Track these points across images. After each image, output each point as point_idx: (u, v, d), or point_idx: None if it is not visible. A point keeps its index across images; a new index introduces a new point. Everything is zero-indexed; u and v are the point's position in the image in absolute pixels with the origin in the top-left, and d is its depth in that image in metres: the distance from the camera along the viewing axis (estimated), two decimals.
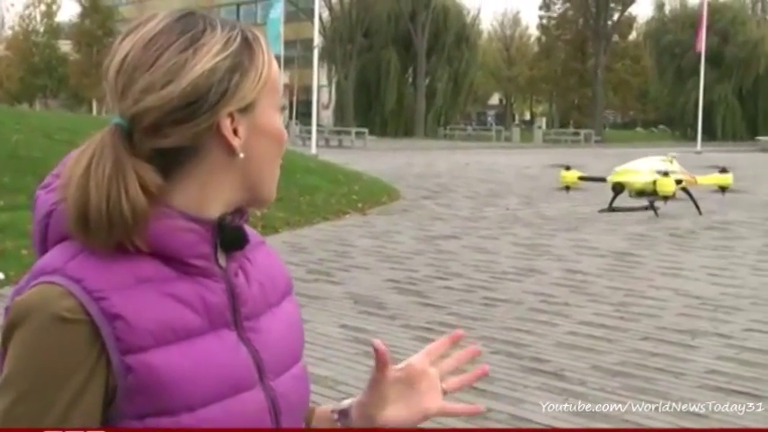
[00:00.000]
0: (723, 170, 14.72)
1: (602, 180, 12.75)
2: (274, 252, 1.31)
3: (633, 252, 10.41)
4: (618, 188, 12.24)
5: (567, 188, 13.56)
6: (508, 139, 52.96)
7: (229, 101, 1.10)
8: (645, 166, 12.79)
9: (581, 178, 13.82)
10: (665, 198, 11.80)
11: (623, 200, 13.11)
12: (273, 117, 1.16)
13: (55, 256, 1.09)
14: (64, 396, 1.04)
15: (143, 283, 1.07)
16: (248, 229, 1.25)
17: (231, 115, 1.11)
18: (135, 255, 1.08)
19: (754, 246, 10.95)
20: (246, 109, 1.12)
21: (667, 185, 12.01)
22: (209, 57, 1.08)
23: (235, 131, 1.11)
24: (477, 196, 17.14)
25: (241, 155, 1.12)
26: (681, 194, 13.12)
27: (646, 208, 11.86)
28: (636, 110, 75.22)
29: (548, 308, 7.37)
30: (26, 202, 10.20)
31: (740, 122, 58.52)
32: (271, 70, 1.14)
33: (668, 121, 66.27)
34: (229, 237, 1.15)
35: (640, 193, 12.34)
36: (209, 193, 1.13)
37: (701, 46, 36.99)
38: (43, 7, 65.83)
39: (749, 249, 10.64)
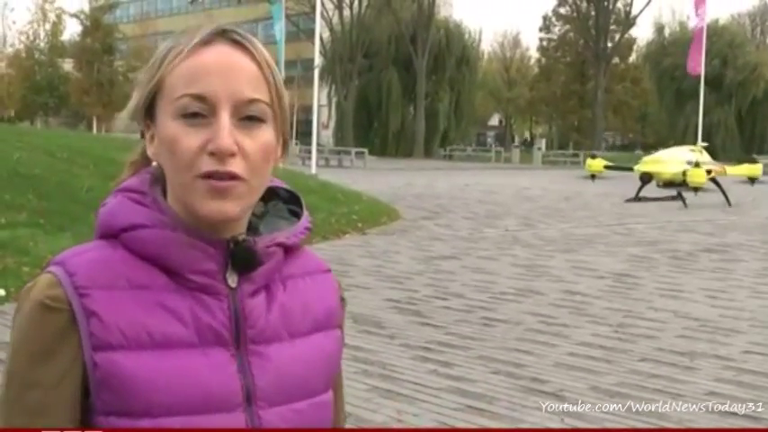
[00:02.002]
0: (752, 160, 14.25)
1: (629, 169, 12.11)
2: (334, 286, 1.28)
3: (632, 273, 10.42)
4: (646, 178, 11.58)
5: (593, 176, 12.82)
6: (508, 160, 53.06)
7: (141, 109, 1.16)
8: (673, 155, 12.24)
9: (607, 167, 13.11)
10: (696, 189, 11.16)
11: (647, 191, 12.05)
12: (166, 123, 1.11)
13: (71, 250, 1.15)
14: (44, 380, 1.08)
15: (135, 289, 1.11)
16: (316, 256, 1.26)
17: (147, 122, 1.16)
18: (139, 262, 1.12)
19: (753, 268, 10.96)
20: (151, 115, 1.15)
21: (699, 176, 11.43)
22: (144, 70, 1.16)
23: (152, 138, 1.16)
24: (477, 217, 17.17)
25: (154, 163, 1.16)
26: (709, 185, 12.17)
27: (673, 198, 11.19)
28: (635, 132, 75.41)
29: (547, 328, 7.37)
30: (27, 220, 10.24)
31: (738, 145, 58.71)
32: (167, 75, 1.12)
33: (668, 144, 66.46)
34: (240, 257, 1.14)
35: (668, 184, 11.71)
36: (175, 205, 1.15)
37: (698, 69, 37.08)
38: (48, 26, 66.18)
39: (748, 272, 10.66)
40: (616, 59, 65.94)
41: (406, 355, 6.42)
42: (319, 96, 30.60)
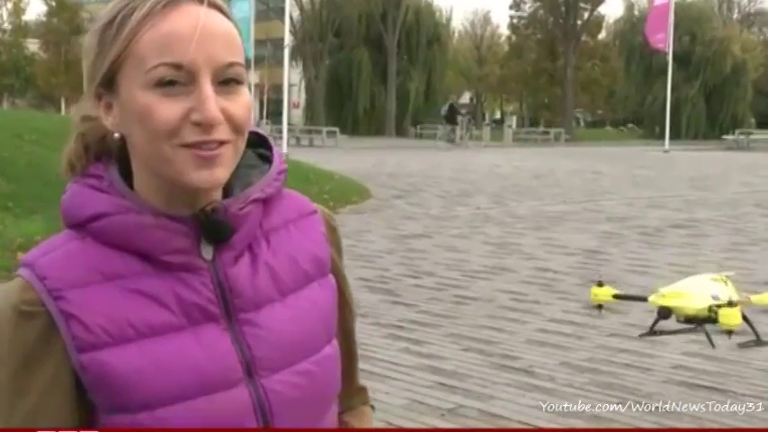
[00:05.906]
0: None
1: (644, 300, 10.96)
2: (320, 229, 1.24)
3: (602, 250, 10.52)
4: (664, 312, 10.34)
5: (600, 306, 11.46)
6: (478, 138, 53.13)
7: (93, 77, 1.08)
8: (695, 287, 10.98)
9: (616, 296, 11.78)
10: (730, 332, 10.00)
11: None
12: (135, 94, 1.04)
13: (39, 248, 1.10)
14: (35, 385, 1.05)
15: (110, 281, 1.06)
16: (299, 198, 1.22)
17: (98, 92, 1.09)
18: (111, 251, 1.08)
19: (720, 243, 11.10)
20: (108, 85, 1.07)
21: (733, 318, 10.09)
22: (87, 37, 1.10)
23: (109, 108, 1.09)
24: (448, 195, 17.22)
25: (116, 134, 1.09)
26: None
27: (693, 330, 10.04)
28: (605, 109, 75.77)
29: (518, 305, 7.45)
30: None
31: (705, 121, 59.23)
32: (135, 43, 1.04)
33: (636, 120, 66.83)
34: (212, 229, 1.08)
35: (690, 320, 10.53)
36: (144, 181, 1.09)
37: (661, 44, 37.19)
38: (10, 5, 65.10)
39: (715, 247, 10.79)
40: (586, 37, 66.08)
41: (377, 333, 6.47)
42: (290, 76, 30.45)
